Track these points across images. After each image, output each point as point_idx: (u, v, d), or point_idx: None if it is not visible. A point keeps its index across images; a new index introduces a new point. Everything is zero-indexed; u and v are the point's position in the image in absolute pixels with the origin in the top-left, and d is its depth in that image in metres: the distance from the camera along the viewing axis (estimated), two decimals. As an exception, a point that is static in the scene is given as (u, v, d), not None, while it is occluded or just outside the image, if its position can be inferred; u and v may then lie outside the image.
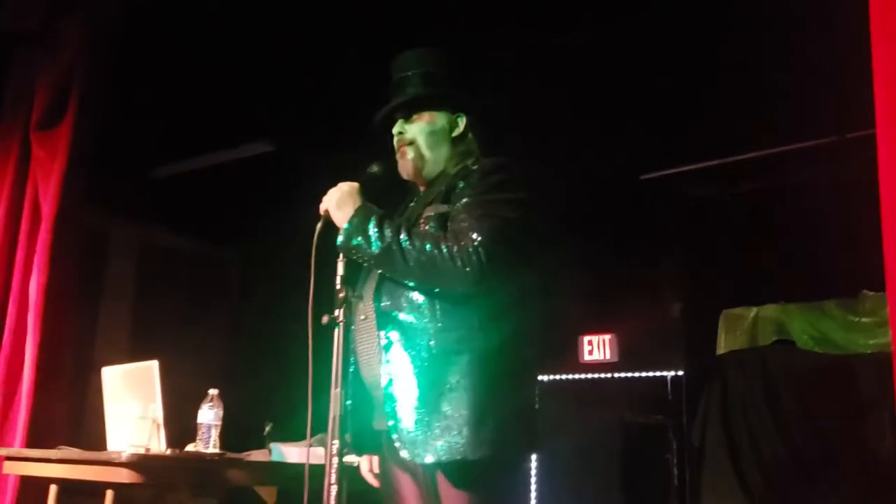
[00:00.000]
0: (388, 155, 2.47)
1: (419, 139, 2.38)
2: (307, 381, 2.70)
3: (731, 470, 5.11)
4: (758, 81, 4.72)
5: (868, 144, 5.38)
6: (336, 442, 2.07)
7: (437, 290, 2.15)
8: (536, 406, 2.34)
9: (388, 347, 2.17)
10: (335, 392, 2.09)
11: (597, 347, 6.35)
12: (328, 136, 5.17)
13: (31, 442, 3.20)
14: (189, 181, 5.76)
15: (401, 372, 2.14)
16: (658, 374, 6.07)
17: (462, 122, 2.41)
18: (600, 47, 4.52)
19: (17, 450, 3.04)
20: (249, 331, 4.71)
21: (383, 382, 2.16)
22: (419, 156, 2.38)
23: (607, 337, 6.30)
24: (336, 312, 2.15)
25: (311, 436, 3.32)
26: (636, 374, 6.20)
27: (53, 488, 2.80)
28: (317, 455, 3.04)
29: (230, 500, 3.68)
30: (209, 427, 3.02)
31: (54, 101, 3.43)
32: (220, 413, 3.03)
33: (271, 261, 5.64)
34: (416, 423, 2.08)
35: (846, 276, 5.13)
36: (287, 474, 3.09)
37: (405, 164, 2.39)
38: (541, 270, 2.38)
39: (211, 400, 3.02)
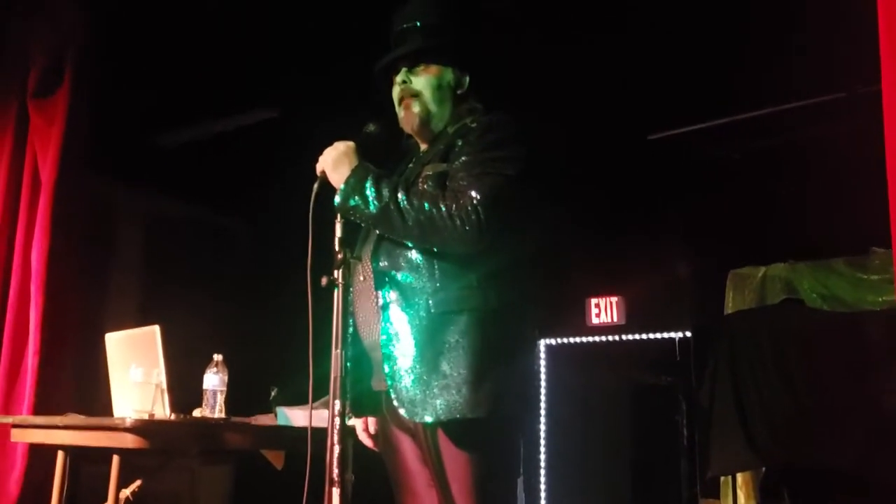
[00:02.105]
0: (385, 114, 2.43)
1: (426, 92, 2.32)
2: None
3: (739, 428, 5.10)
4: (765, 38, 4.65)
5: (877, 100, 5.32)
6: (338, 402, 2.07)
7: (435, 249, 2.12)
8: (532, 367, 2.33)
9: (386, 307, 2.16)
10: (336, 353, 2.09)
11: (604, 310, 6.34)
12: (336, 101, 5.13)
13: (38, 410, 3.21)
14: (196, 149, 5.73)
15: (399, 332, 2.12)
16: (666, 335, 6.07)
17: (467, 80, 2.36)
18: (606, 5, 4.45)
19: (23, 417, 3.06)
20: (257, 298, 4.70)
21: (382, 342, 2.14)
22: (425, 109, 2.32)
23: (614, 299, 6.29)
24: (335, 274, 2.14)
25: (316, 398, 3.35)
26: (644, 336, 6.21)
27: (61, 454, 2.81)
28: (322, 417, 3.06)
29: (238, 465, 3.71)
30: (214, 392, 3.02)
31: (50, 68, 3.40)
32: (225, 378, 3.03)
33: (278, 227, 5.62)
34: (414, 382, 2.07)
35: (855, 233, 5.09)
36: (294, 438, 3.10)
37: (409, 117, 2.33)
38: (542, 229, 2.36)
39: (216, 365, 3.03)
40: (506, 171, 2.12)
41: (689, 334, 5.88)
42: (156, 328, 2.62)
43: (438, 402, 2.04)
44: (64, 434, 2.70)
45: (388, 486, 2.46)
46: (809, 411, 4.93)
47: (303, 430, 3.13)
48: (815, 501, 5.04)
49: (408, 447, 2.28)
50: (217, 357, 3.03)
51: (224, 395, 3.02)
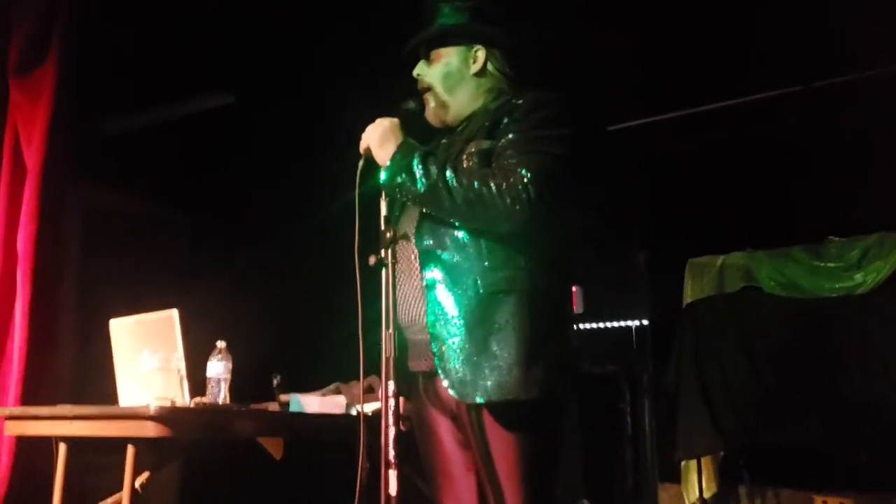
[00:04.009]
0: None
1: (435, 85, 2.33)
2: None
3: (704, 412, 5.23)
4: (722, 31, 4.76)
5: (832, 92, 5.48)
6: (391, 383, 2.04)
7: (483, 228, 2.10)
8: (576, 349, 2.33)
9: (431, 287, 2.12)
10: (387, 333, 2.05)
11: (562, 299, 6.38)
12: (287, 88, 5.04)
13: (26, 401, 3.05)
14: (141, 136, 5.53)
15: (447, 312, 2.09)
16: (623, 323, 6.15)
17: (481, 55, 2.33)
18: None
19: (22, 409, 2.90)
20: (251, 287, 4.60)
21: (428, 322, 2.11)
22: (440, 103, 2.33)
23: (572, 288, 6.33)
24: (382, 253, 2.11)
25: (330, 384, 3.28)
26: (601, 325, 6.28)
27: (63, 447, 2.68)
28: (335, 404, 3.01)
29: (231, 452, 3.62)
30: (219, 380, 2.93)
31: (34, 44, 3.21)
32: (230, 366, 2.94)
33: (232, 218, 5.48)
34: (463, 362, 2.05)
35: (812, 222, 5.26)
36: (295, 425, 3.04)
37: (430, 113, 2.34)
38: (584, 210, 2.36)
39: (219, 352, 2.93)
40: (554, 149, 2.11)
41: (646, 322, 5.97)
42: (174, 312, 2.52)
43: (489, 382, 2.02)
44: (69, 425, 2.56)
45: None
46: (772, 393, 5.09)
47: (304, 417, 3.11)
48: (774, 481, 5.20)
49: (446, 430, 2.26)
50: (221, 344, 2.93)
51: (228, 383, 2.93)
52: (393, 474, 1.99)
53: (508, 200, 2.02)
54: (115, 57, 3.69)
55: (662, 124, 5.75)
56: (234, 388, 2.98)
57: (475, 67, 2.35)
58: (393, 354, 2.04)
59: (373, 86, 3.60)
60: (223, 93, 5.41)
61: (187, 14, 4.16)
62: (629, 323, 6.14)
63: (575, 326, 6.37)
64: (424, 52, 2.37)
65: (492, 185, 2.03)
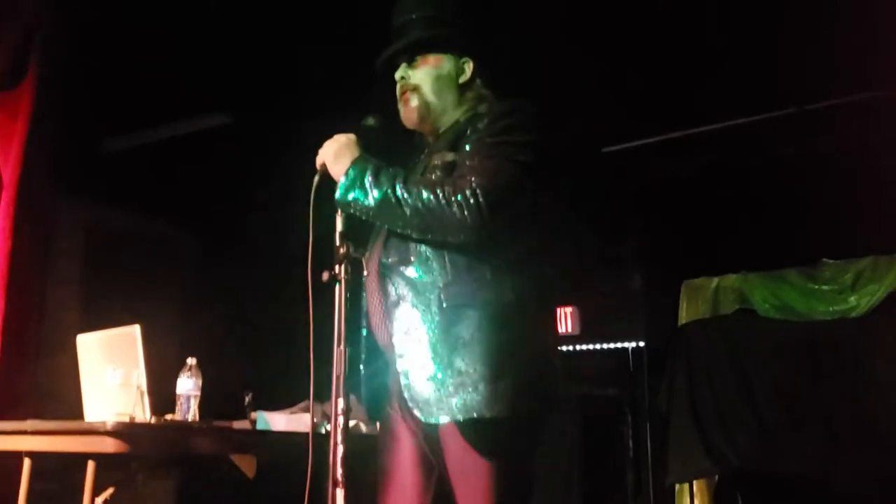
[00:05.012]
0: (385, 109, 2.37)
1: (424, 85, 2.25)
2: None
3: (696, 436, 5.18)
4: (717, 53, 4.74)
5: (827, 115, 5.43)
6: (341, 401, 2.01)
7: (440, 240, 2.03)
8: (556, 366, 2.21)
9: (396, 304, 2.08)
10: (338, 350, 2.02)
11: (559, 320, 6.36)
12: (287, 108, 5.06)
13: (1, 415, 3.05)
14: (140, 155, 5.58)
15: (411, 328, 2.04)
16: (620, 345, 6.12)
17: (469, 67, 2.27)
18: (560, 13, 4.47)
19: (-14, 423, 2.89)
20: (217, 306, 4.60)
21: (393, 339, 2.06)
22: (423, 102, 2.25)
23: (569, 310, 6.32)
24: (336, 269, 2.08)
25: (301, 402, 3.26)
26: (598, 346, 6.24)
27: (27, 462, 2.67)
28: (302, 422, 2.98)
29: (201, 471, 3.60)
30: (188, 397, 2.92)
31: (14, 60, 3.24)
32: (199, 382, 2.93)
33: (233, 235, 5.51)
34: (428, 380, 1.98)
35: (806, 244, 5.22)
36: (267, 443, 3.01)
37: (408, 112, 2.26)
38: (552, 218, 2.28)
39: (189, 369, 2.93)
40: (515, 156, 2.03)
41: (642, 344, 5.94)
42: (136, 328, 2.51)
43: (455, 400, 1.95)
44: (33, 440, 2.56)
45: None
46: (765, 419, 5.02)
47: (276, 435, 3.09)
48: (768, 508, 5.14)
49: (410, 445, 2.19)
50: (191, 361, 2.93)
51: (198, 400, 2.92)
52: (340, 493, 1.97)
53: (456, 208, 1.95)
54: (102, 76, 3.70)
55: (657, 146, 5.73)
56: (209, 405, 2.98)
57: (463, 78, 2.29)
58: (343, 372, 2.01)
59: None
60: (218, 113, 5.46)
61: (183, 33, 4.17)
62: (626, 345, 6.11)
63: (571, 347, 6.36)
64: (407, 57, 2.32)
65: (439, 193, 1.97)
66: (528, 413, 2.00)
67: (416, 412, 1.99)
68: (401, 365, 2.03)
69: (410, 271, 2.07)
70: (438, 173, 2.08)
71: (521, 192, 2.04)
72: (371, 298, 2.16)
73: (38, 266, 3.23)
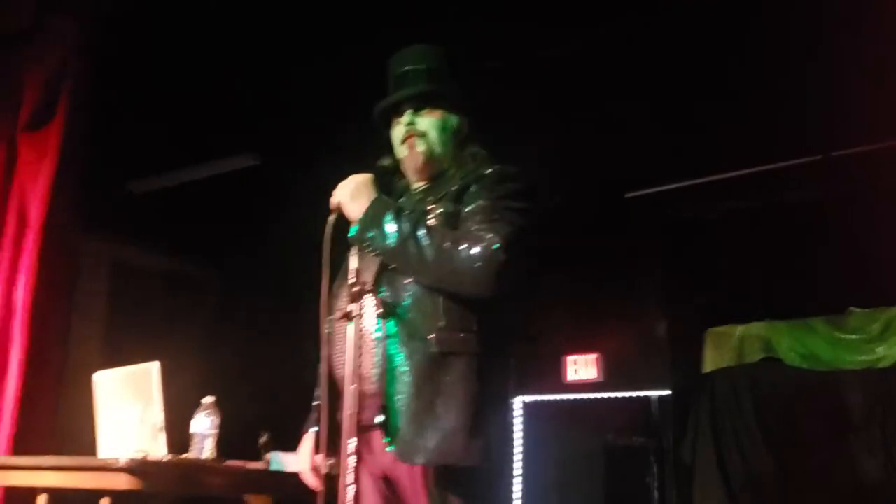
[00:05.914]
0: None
1: (431, 133, 2.30)
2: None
3: (720, 486, 5.08)
4: (742, 99, 4.75)
5: (853, 163, 5.40)
6: (352, 441, 2.00)
7: (447, 288, 2.07)
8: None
9: (381, 339, 2.09)
10: (350, 389, 2.02)
11: (582, 367, 6.31)
12: (309, 151, 5.12)
13: (17, 452, 3.06)
14: (166, 196, 5.65)
15: (396, 367, 2.05)
16: (643, 393, 6.04)
17: (467, 126, 2.35)
18: (582, 62, 4.50)
19: (3, 458, 2.91)
20: (238, 345, 4.61)
21: (375, 375, 2.07)
22: (430, 150, 2.29)
23: (592, 356, 6.27)
24: (352, 307, 2.09)
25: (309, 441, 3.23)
26: (621, 395, 6.17)
27: (42, 498, 2.67)
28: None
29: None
30: (203, 437, 2.91)
31: (44, 102, 3.33)
32: (217, 421, 2.93)
33: (254, 276, 5.55)
34: (408, 421, 2.01)
35: (833, 293, 5.15)
36: (282, 483, 2.99)
37: (414, 156, 2.30)
38: (533, 283, 2.35)
39: (207, 408, 2.92)
40: (521, 221, 2.11)
41: (667, 392, 5.85)
42: (155, 365, 2.52)
43: (431, 444, 1.98)
44: (49, 476, 2.56)
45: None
46: (791, 470, 4.92)
47: (293, 475, 3.07)
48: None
49: (372, 489, 2.19)
50: (208, 400, 2.93)
51: (216, 439, 2.92)
52: (351, 532, 1.95)
53: (480, 265, 2.01)
54: (130, 118, 3.78)
55: (682, 192, 5.72)
56: (228, 443, 2.97)
57: (460, 136, 2.36)
58: (355, 410, 2.01)
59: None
60: (247, 154, 5.53)
61: (211, 78, 4.25)
62: (649, 393, 6.03)
63: (595, 395, 6.29)
64: (414, 105, 2.37)
65: (464, 247, 2.03)
66: (499, 464, 2.09)
67: (393, 449, 2.01)
68: (381, 401, 2.04)
69: (402, 309, 2.09)
70: (441, 222, 2.13)
71: (529, 254, 2.12)
72: (342, 332, 2.12)
73: (62, 303, 3.28)
